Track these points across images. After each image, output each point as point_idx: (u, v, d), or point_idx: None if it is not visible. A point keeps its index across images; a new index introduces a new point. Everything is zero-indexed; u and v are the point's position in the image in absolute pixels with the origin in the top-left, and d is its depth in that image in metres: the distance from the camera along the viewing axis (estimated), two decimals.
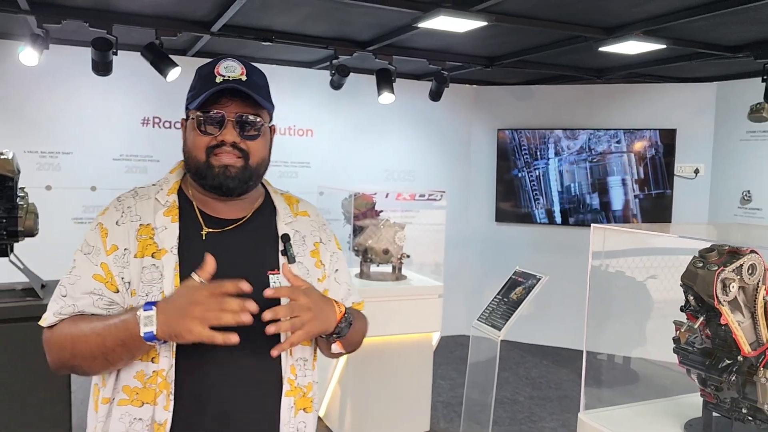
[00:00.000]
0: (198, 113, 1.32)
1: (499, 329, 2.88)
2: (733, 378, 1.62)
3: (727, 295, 1.58)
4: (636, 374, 3.94)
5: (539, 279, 2.93)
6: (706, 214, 5.60)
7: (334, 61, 4.63)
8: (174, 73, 4.27)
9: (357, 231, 4.03)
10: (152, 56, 4.18)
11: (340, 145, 5.77)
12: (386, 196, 5.04)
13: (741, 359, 1.61)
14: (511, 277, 3.12)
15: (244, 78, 1.33)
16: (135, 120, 5.11)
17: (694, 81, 5.62)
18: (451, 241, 4.98)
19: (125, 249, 1.31)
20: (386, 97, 4.93)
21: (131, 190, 1.42)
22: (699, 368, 1.69)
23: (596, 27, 3.87)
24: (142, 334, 1.17)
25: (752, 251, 1.61)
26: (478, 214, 6.30)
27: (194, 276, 1.20)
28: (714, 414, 1.75)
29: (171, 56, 4.29)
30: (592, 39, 3.97)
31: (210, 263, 1.20)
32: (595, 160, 5.83)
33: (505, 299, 3.00)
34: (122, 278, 1.29)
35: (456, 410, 4.33)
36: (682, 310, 1.73)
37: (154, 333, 1.17)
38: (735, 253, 1.62)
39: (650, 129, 5.65)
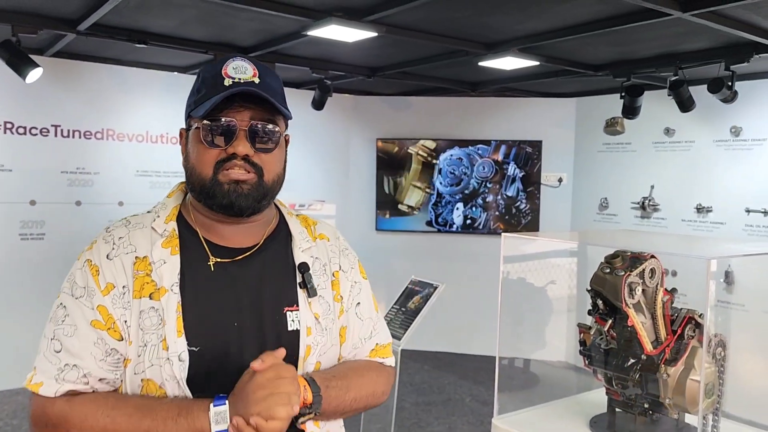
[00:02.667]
0: (204, 122, 1.12)
1: (399, 339, 2.90)
2: (638, 376, 1.73)
3: (633, 298, 1.69)
4: (536, 376, 4.13)
5: (436, 287, 2.98)
6: (569, 219, 6.03)
7: None
8: (34, 74, 3.88)
9: None
10: (8, 55, 3.77)
11: None
12: None
13: (644, 357, 1.72)
14: (407, 287, 3.15)
15: (256, 80, 1.13)
16: None
17: (557, 96, 6.03)
18: None
19: (123, 287, 1.10)
20: None
21: (122, 219, 1.20)
22: (607, 368, 1.79)
23: (478, 42, 4.03)
24: None
25: (652, 256, 1.74)
26: (358, 223, 6.33)
27: (255, 364, 1.04)
28: (617, 410, 1.87)
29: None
30: (473, 54, 4.13)
31: (281, 353, 1.06)
32: (466, 170, 6.07)
33: (403, 308, 3.02)
34: (125, 321, 1.09)
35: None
36: (589, 313, 1.83)
37: (227, 430, 1.02)
38: (637, 259, 1.74)
39: (519, 140, 5.99)
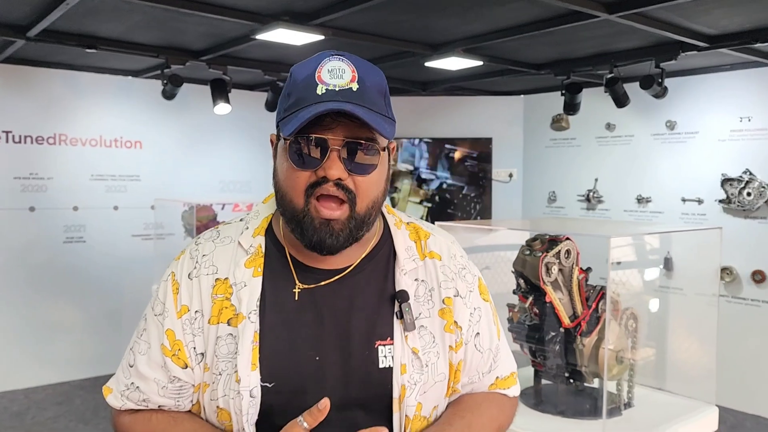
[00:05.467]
0: (292, 140, 0.99)
1: None
2: (558, 347, 1.90)
3: (550, 276, 1.85)
4: None
5: None
6: (520, 213, 6.24)
7: (166, 71, 4.51)
8: None
9: None
10: None
11: (171, 156, 5.59)
12: (222, 208, 5.00)
13: (562, 330, 1.89)
14: None
15: (354, 86, 0.98)
16: None
17: (505, 94, 6.24)
18: None
19: (196, 311, 1.04)
20: (222, 108, 4.89)
21: (213, 230, 1.13)
22: (530, 342, 1.95)
23: (423, 44, 4.18)
24: None
25: (567, 239, 1.90)
26: None
27: (298, 422, 0.96)
28: (543, 381, 2.03)
29: None
30: (419, 55, 4.28)
31: (324, 410, 0.95)
32: (418, 169, 6.23)
33: None
34: (194, 348, 1.03)
35: None
36: (514, 292, 1.99)
37: None
38: (554, 241, 1.90)
39: (470, 138, 6.17)
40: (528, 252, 1.87)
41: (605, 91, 4.46)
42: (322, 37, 3.69)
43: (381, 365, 1.01)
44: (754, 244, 4.64)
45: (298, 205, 1.00)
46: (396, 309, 1.04)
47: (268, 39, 3.74)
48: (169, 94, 4.69)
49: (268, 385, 0.99)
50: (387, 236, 1.12)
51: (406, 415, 1.01)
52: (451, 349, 1.07)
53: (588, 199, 5.64)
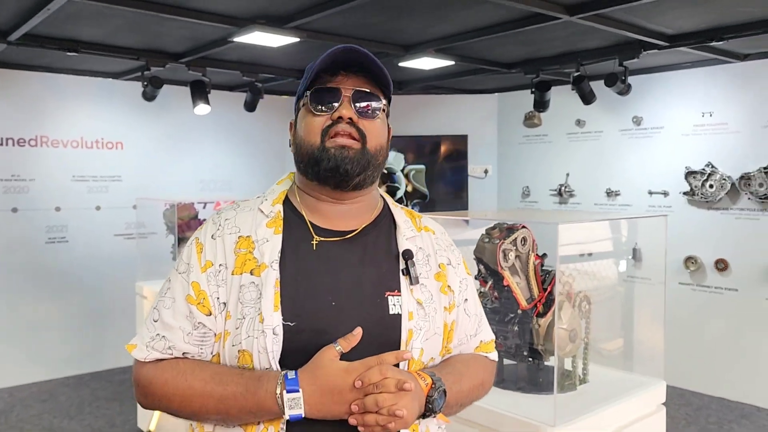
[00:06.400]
0: (310, 92, 1.18)
1: None
2: (516, 328, 2.05)
3: (507, 262, 2.00)
4: None
5: None
6: (496, 207, 6.41)
7: (146, 73, 4.61)
8: None
9: (181, 242, 4.07)
10: None
11: (152, 157, 5.69)
12: (204, 207, 5.10)
13: (520, 312, 2.04)
14: None
15: (361, 59, 1.17)
16: None
17: (479, 92, 6.41)
18: None
19: (220, 265, 1.15)
20: (202, 108, 4.99)
21: (232, 203, 1.27)
22: (491, 324, 2.10)
23: (396, 44, 4.33)
24: (287, 418, 1.05)
25: (523, 227, 2.05)
26: None
27: (334, 346, 1.07)
28: (505, 361, 2.18)
29: None
30: (393, 55, 4.42)
31: (357, 336, 1.08)
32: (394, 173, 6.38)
33: None
34: (217, 298, 1.14)
35: None
36: (475, 278, 2.14)
37: (303, 415, 1.05)
38: (511, 229, 2.05)
39: (446, 135, 6.33)
40: (487, 239, 2.02)
41: (572, 89, 4.63)
42: (297, 39, 3.82)
43: (391, 312, 1.14)
44: (718, 234, 4.84)
45: (316, 144, 1.16)
46: (402, 266, 1.18)
47: (245, 41, 3.86)
48: (149, 96, 4.79)
49: (290, 323, 1.09)
50: (387, 211, 1.28)
51: (424, 368, 1.16)
52: (446, 310, 1.22)
53: (560, 193, 5.82)
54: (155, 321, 1.16)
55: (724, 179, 4.73)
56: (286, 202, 1.23)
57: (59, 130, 5.23)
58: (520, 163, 6.21)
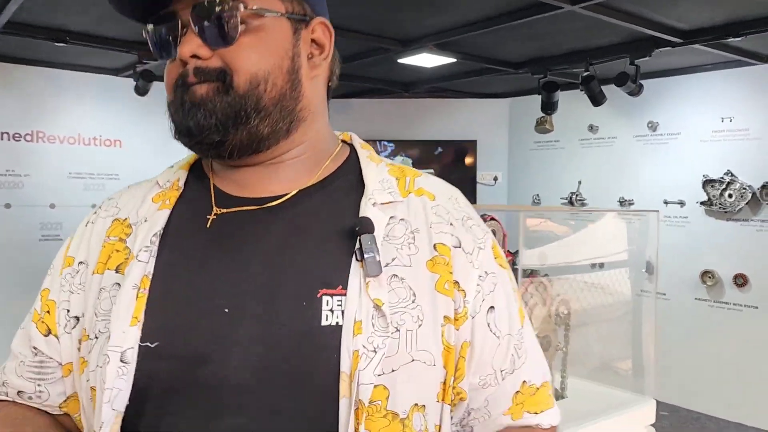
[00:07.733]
0: (147, 30, 0.78)
1: None
2: None
3: None
4: None
5: None
6: (505, 216, 6.17)
7: (138, 66, 4.50)
8: None
9: None
10: None
11: (152, 155, 5.56)
12: None
13: None
14: None
15: None
16: None
17: (490, 97, 6.19)
18: None
19: (80, 263, 0.80)
20: None
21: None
22: None
23: (393, 39, 4.14)
24: None
25: (492, 218, 1.84)
26: None
27: None
28: None
29: None
30: (392, 51, 4.24)
31: None
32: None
33: None
34: (67, 310, 0.79)
35: None
36: None
37: None
38: None
39: (454, 140, 6.12)
40: None
41: (581, 89, 4.40)
42: None
43: (324, 322, 0.68)
44: (737, 247, 4.54)
45: (169, 100, 0.77)
46: (356, 247, 0.70)
47: None
48: (142, 90, 4.68)
49: (149, 345, 0.69)
50: (352, 167, 0.82)
51: (359, 400, 0.65)
52: (449, 321, 0.72)
53: (571, 202, 5.56)
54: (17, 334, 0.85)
55: (744, 188, 4.44)
56: (195, 167, 0.86)
57: (56, 126, 5.15)
58: (531, 170, 5.97)
